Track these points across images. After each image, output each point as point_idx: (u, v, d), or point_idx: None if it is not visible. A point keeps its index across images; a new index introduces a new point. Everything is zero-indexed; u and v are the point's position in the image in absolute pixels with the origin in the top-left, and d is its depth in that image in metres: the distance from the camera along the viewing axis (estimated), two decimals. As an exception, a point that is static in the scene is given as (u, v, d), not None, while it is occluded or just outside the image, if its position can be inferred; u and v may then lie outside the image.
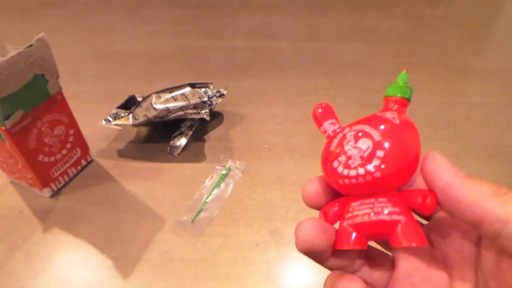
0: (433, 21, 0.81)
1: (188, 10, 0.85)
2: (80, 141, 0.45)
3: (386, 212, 0.18)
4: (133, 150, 0.50)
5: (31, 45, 0.35)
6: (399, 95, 0.20)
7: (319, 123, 0.22)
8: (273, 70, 0.65)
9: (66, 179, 0.45)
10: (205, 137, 0.52)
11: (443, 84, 0.61)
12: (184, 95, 0.49)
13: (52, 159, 0.42)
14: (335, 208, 0.20)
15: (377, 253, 0.22)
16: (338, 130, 0.21)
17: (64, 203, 0.43)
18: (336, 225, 0.20)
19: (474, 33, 0.77)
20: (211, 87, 0.53)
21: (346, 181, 0.19)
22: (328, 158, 0.20)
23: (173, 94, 0.49)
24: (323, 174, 0.20)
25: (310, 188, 0.21)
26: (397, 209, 0.18)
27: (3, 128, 0.36)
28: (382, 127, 0.19)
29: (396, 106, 0.20)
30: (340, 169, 0.19)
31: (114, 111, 0.50)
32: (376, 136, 0.18)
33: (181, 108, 0.48)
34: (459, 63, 0.67)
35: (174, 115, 0.48)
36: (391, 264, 0.22)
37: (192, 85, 0.50)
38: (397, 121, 0.19)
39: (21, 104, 0.36)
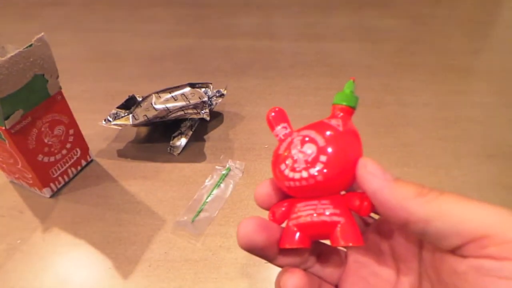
0: (433, 21, 0.81)
1: (188, 10, 0.85)
2: (80, 141, 0.45)
3: (327, 213, 0.19)
4: (133, 150, 0.50)
5: (31, 45, 0.35)
6: (344, 104, 0.21)
7: (271, 127, 0.23)
8: (273, 70, 0.65)
9: (66, 179, 0.45)
10: (205, 137, 0.52)
11: (443, 84, 0.61)
12: (184, 95, 0.49)
13: (52, 159, 0.42)
14: (283, 209, 0.21)
15: (331, 250, 0.23)
16: (289, 134, 0.22)
17: (64, 203, 0.43)
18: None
19: (474, 33, 0.77)
20: (211, 87, 0.52)
21: (292, 183, 0.20)
22: (277, 161, 0.21)
23: (173, 94, 0.49)
24: (273, 176, 0.21)
25: (261, 190, 0.22)
26: (338, 211, 0.20)
27: (3, 128, 0.36)
28: (326, 133, 0.20)
29: (341, 114, 0.21)
30: (286, 172, 0.20)
31: (114, 111, 0.50)
32: (321, 141, 0.20)
33: (181, 108, 0.48)
34: (459, 63, 0.67)
35: (174, 115, 0.47)
36: (344, 260, 0.23)
37: (192, 85, 0.50)
38: (341, 128, 0.20)
39: (21, 104, 0.36)
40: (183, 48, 0.71)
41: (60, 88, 0.41)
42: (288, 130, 0.22)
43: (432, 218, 0.16)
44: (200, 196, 0.43)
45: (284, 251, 0.21)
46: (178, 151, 0.49)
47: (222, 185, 0.44)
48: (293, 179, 0.20)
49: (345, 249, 0.23)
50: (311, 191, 0.20)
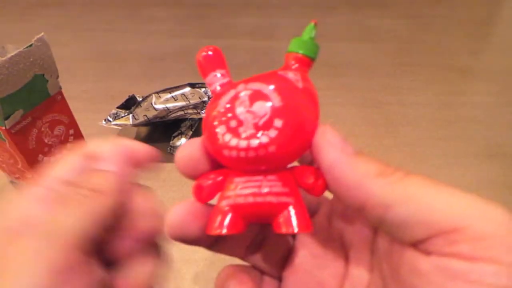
0: (433, 21, 0.81)
1: (188, 10, 0.85)
2: (80, 141, 0.45)
3: (274, 192, 0.16)
4: (133, 150, 0.50)
5: (31, 45, 0.35)
6: (301, 52, 0.17)
7: (204, 72, 0.17)
8: (273, 70, 0.65)
9: (66, 179, 0.45)
10: (205, 137, 0.51)
11: (443, 84, 0.61)
12: (184, 95, 0.49)
13: (52, 159, 0.42)
14: (212, 182, 0.17)
15: (274, 235, 0.19)
16: (227, 84, 0.17)
17: (64, 203, 0.43)
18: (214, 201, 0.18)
19: (474, 33, 0.77)
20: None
21: (234, 153, 0.15)
22: (213, 121, 0.16)
23: (173, 94, 0.49)
24: (205, 139, 0.17)
25: (185, 152, 0.17)
26: (287, 190, 0.16)
27: (3, 128, 0.36)
28: (283, 90, 0.16)
29: (297, 65, 0.17)
30: (227, 137, 0.15)
31: (114, 111, 0.50)
32: (276, 100, 0.15)
33: (181, 108, 0.48)
34: (459, 63, 0.67)
35: (174, 115, 0.47)
36: (290, 247, 0.20)
37: (192, 85, 0.50)
38: (300, 85, 0.16)
39: (21, 104, 0.36)
40: (183, 48, 0.71)
41: (60, 88, 0.41)
42: (227, 79, 0.17)
43: (394, 203, 0.14)
44: (200, 196, 0.43)
45: (220, 237, 0.18)
46: (178, 151, 0.49)
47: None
48: (236, 148, 0.15)
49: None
50: (257, 163, 0.16)
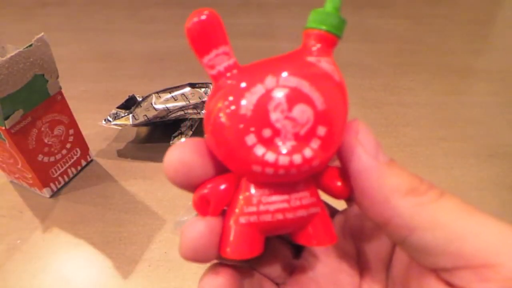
0: (433, 21, 0.81)
1: (188, 10, 0.85)
2: (80, 141, 0.45)
3: (305, 204, 0.13)
4: (133, 150, 0.50)
5: (31, 45, 0.35)
6: (324, 28, 0.14)
7: (199, 50, 0.13)
8: (273, 70, 0.65)
9: (66, 179, 0.45)
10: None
11: (443, 84, 0.61)
12: (184, 95, 0.49)
13: (52, 159, 0.42)
14: (220, 192, 0.14)
15: (278, 241, 0.18)
16: (234, 67, 0.13)
17: (64, 203, 0.43)
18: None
19: (474, 33, 0.77)
20: (211, 87, 0.53)
21: (270, 170, 0.12)
22: (236, 127, 0.12)
23: (173, 94, 0.49)
24: (220, 150, 0.13)
25: (176, 156, 0.14)
26: (314, 200, 0.14)
27: (3, 128, 0.36)
28: (325, 88, 0.12)
29: (319, 45, 0.13)
30: (259, 150, 0.12)
31: (114, 111, 0.50)
32: (319, 102, 0.12)
33: (181, 108, 0.48)
34: (459, 63, 0.67)
35: (174, 115, 0.47)
36: (293, 255, 0.18)
37: (192, 85, 0.50)
38: (337, 78, 0.13)
39: (21, 104, 0.36)
40: (183, 48, 0.71)
41: (60, 88, 0.41)
42: (233, 59, 0.13)
43: (420, 226, 0.12)
44: (200, 196, 0.43)
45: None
46: (178, 151, 0.49)
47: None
48: (274, 165, 0.12)
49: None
50: (291, 177, 0.13)
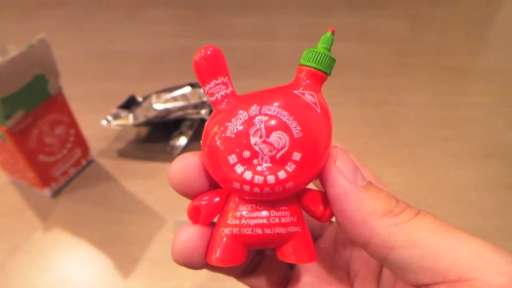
0: (433, 21, 0.81)
1: (188, 10, 0.85)
2: (80, 141, 0.45)
3: (283, 223, 0.15)
4: (133, 150, 0.50)
5: (32, 46, 0.35)
6: (314, 66, 0.15)
7: (202, 79, 0.15)
8: (273, 70, 0.65)
9: (67, 179, 0.45)
10: (205, 137, 0.52)
11: (443, 84, 0.61)
12: (184, 95, 0.49)
13: (53, 159, 0.42)
14: (211, 204, 0.16)
15: (274, 256, 0.18)
16: (230, 95, 0.15)
17: (65, 203, 0.43)
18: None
19: (474, 33, 0.77)
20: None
21: (247, 188, 0.14)
22: (221, 147, 0.14)
23: (173, 94, 0.49)
24: (208, 162, 0.15)
25: (180, 168, 0.16)
26: (295, 219, 0.15)
27: (4, 128, 0.36)
28: (303, 118, 0.14)
29: (308, 81, 0.15)
30: (239, 169, 0.14)
31: (114, 111, 0.50)
32: (296, 131, 0.14)
33: (181, 108, 0.48)
34: (459, 63, 0.67)
35: (174, 115, 0.48)
36: (287, 269, 0.19)
37: (192, 85, 0.50)
38: (318, 110, 0.14)
39: (21, 104, 0.36)
40: (183, 48, 0.71)
41: (61, 88, 0.41)
42: (230, 89, 0.15)
43: (397, 245, 0.13)
44: (200, 196, 0.43)
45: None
46: (178, 151, 0.49)
47: (222, 185, 0.44)
48: (250, 183, 0.14)
49: None
50: (269, 196, 0.14)
